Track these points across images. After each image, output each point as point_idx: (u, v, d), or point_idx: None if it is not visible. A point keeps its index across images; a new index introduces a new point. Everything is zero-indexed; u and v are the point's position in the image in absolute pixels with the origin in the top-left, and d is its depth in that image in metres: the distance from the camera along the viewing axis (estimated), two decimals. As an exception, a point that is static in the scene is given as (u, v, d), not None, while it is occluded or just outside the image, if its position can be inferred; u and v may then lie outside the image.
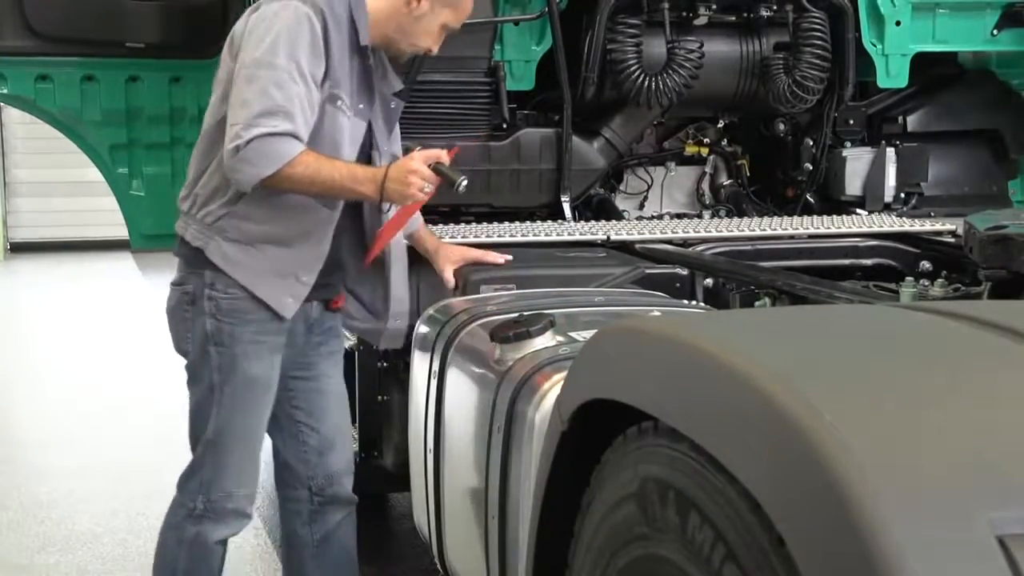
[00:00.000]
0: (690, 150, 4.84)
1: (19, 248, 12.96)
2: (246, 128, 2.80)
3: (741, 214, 4.70)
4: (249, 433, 3.10)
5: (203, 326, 3.01)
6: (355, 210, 3.14)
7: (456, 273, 3.45)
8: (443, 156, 2.95)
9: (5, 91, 5.26)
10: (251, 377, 3.04)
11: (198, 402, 3.10)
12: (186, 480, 3.14)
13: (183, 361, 3.13)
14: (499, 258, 3.53)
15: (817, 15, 4.46)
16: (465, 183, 2.94)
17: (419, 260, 3.80)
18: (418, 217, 3.41)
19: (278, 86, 2.81)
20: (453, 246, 3.58)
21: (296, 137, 2.83)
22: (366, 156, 3.10)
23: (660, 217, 4.72)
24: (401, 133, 4.24)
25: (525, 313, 2.76)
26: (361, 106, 3.04)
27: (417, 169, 2.88)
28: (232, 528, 3.16)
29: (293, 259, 3.02)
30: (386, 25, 3.06)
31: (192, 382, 3.11)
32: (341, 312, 3.27)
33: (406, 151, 3.16)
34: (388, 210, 3.06)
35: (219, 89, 3.00)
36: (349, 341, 3.96)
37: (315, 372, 3.24)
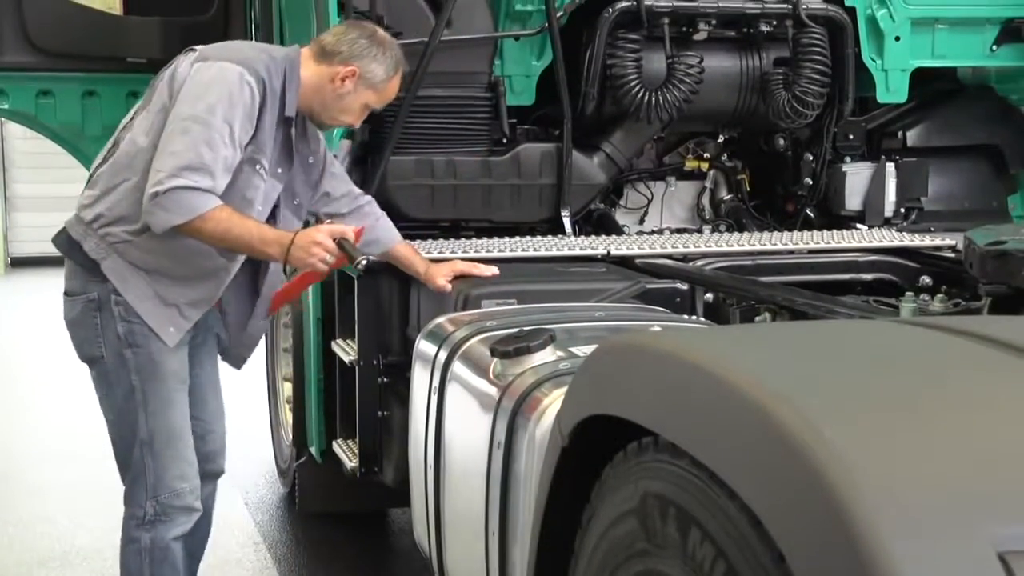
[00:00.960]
0: (690, 165, 4.85)
1: (19, 263, 12.96)
2: (170, 177, 2.99)
3: (741, 229, 4.70)
4: (178, 427, 3.24)
5: (115, 330, 3.15)
6: (254, 265, 3.31)
7: (449, 282, 3.55)
8: (349, 233, 3.15)
9: (6, 106, 5.27)
10: (169, 372, 3.20)
11: (120, 408, 3.22)
12: (131, 490, 3.26)
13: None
14: (487, 270, 3.59)
15: (817, 30, 4.47)
16: (364, 264, 3.14)
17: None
18: (395, 236, 3.59)
19: (209, 145, 3.01)
20: (441, 263, 3.64)
21: (213, 194, 3.03)
22: (272, 214, 3.29)
23: (660, 232, 4.72)
24: (402, 149, 4.27)
25: (525, 328, 2.75)
26: (279, 170, 3.25)
27: (322, 241, 3.09)
28: (183, 525, 3.29)
29: (181, 295, 3.21)
30: (312, 98, 3.26)
31: (108, 388, 3.22)
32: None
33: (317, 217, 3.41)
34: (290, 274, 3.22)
35: (149, 115, 3.15)
36: (350, 356, 3.96)
37: (198, 369, 3.40)
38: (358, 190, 3.64)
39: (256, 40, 5.32)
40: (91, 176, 3.30)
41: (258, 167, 3.15)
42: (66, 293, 3.26)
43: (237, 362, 3.54)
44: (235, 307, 3.41)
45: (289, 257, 3.09)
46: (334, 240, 3.10)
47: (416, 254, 3.68)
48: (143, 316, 3.15)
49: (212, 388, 3.49)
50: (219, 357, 3.53)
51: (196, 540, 3.50)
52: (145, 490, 3.22)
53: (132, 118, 3.25)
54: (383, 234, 3.63)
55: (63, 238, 3.27)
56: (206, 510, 3.51)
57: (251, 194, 3.15)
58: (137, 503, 3.24)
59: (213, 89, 3.05)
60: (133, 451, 3.22)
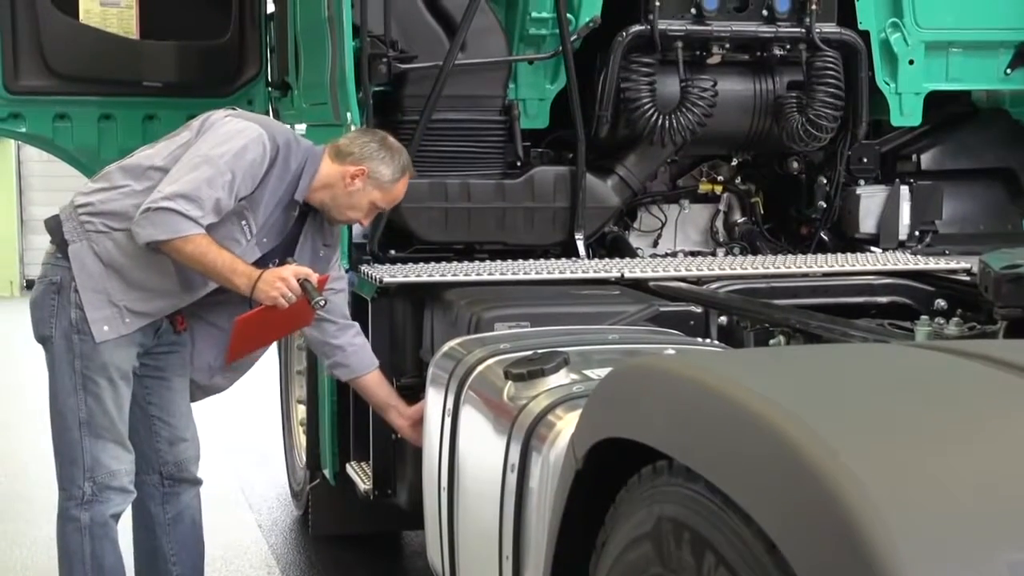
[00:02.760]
0: (704, 188, 4.85)
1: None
2: (165, 199, 3.26)
3: (755, 252, 4.70)
4: (117, 416, 3.45)
5: (68, 315, 3.40)
6: (230, 316, 3.50)
7: (415, 428, 3.56)
8: (313, 276, 3.37)
9: (24, 130, 5.30)
10: (112, 364, 3.42)
11: (63, 389, 3.44)
12: (68, 472, 3.46)
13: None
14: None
15: (830, 54, 4.47)
16: (322, 303, 3.37)
17: (432, 300, 3.82)
18: (375, 363, 3.72)
19: (209, 184, 3.28)
20: (406, 405, 3.68)
21: (199, 224, 3.28)
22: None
23: (674, 255, 4.72)
24: (417, 171, 4.29)
25: (539, 351, 2.75)
26: (265, 240, 3.48)
27: (287, 279, 3.30)
28: (120, 505, 3.50)
29: (128, 300, 3.40)
30: (324, 193, 3.51)
31: (54, 369, 3.47)
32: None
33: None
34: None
35: (172, 144, 3.45)
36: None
37: (167, 373, 3.62)
38: (347, 312, 3.77)
39: (272, 64, 5.37)
40: (100, 171, 3.59)
41: (243, 223, 3.40)
42: (38, 278, 3.54)
43: (191, 396, 3.72)
44: (201, 350, 3.64)
45: (255, 290, 3.29)
46: (298, 280, 3.31)
47: (389, 390, 3.73)
48: (85, 304, 3.38)
49: (181, 395, 3.67)
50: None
51: (191, 554, 3.71)
52: (83, 471, 3.43)
53: (157, 142, 3.55)
54: (355, 361, 3.72)
55: (53, 219, 3.52)
56: (192, 521, 3.72)
57: (231, 245, 3.37)
58: (75, 484, 3.44)
59: (232, 140, 3.35)
60: (71, 432, 3.44)
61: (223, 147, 3.33)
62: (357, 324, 3.78)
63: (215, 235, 3.33)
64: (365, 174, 3.47)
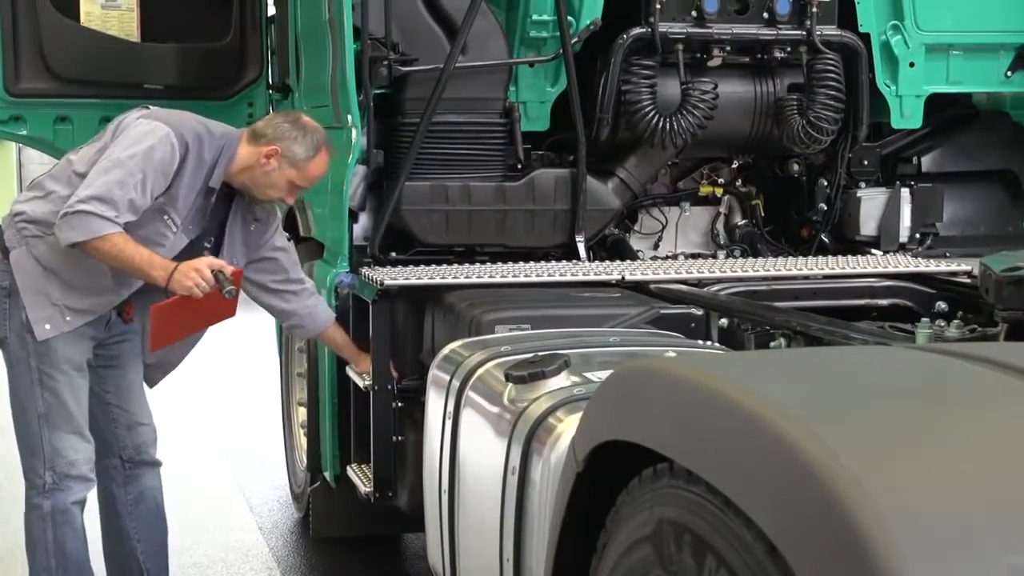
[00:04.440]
0: (704, 190, 4.85)
1: (36, 287, 13.05)
2: (80, 202, 3.42)
3: (756, 254, 4.70)
4: (73, 407, 3.61)
5: (19, 317, 3.56)
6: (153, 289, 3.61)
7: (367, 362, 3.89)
8: (227, 268, 3.52)
9: (25, 132, 5.30)
10: (65, 358, 3.58)
11: (21, 385, 3.60)
12: (30, 463, 3.63)
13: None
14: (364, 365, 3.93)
15: (831, 56, 4.48)
16: (232, 293, 3.50)
17: (433, 303, 3.82)
18: (330, 319, 3.97)
19: (120, 186, 3.43)
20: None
21: (115, 223, 3.41)
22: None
23: (675, 257, 4.72)
24: (417, 174, 4.30)
25: (540, 353, 2.75)
26: (191, 227, 3.63)
27: (200, 269, 3.45)
28: (81, 492, 3.65)
29: (67, 299, 3.56)
30: (244, 174, 3.65)
31: (12, 367, 3.63)
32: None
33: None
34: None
35: (92, 149, 3.60)
36: (364, 381, 3.97)
37: (120, 361, 3.79)
38: (300, 276, 3.97)
39: (273, 67, 5.37)
40: (32, 181, 3.78)
41: (166, 218, 3.55)
42: None
43: (149, 380, 3.91)
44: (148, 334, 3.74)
45: (171, 281, 3.44)
46: (212, 271, 3.46)
47: (349, 343, 4.02)
48: (26, 305, 3.54)
49: (135, 381, 3.86)
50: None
51: (153, 532, 3.89)
52: (43, 461, 3.60)
53: (82, 147, 3.71)
54: (309, 323, 3.96)
55: None
56: (154, 502, 3.90)
57: (157, 238, 3.54)
58: (36, 473, 3.62)
59: (141, 141, 3.49)
60: (31, 425, 3.60)
61: (132, 149, 3.48)
62: (310, 285, 4.00)
63: (142, 233, 3.49)
64: (279, 154, 3.59)
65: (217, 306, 3.57)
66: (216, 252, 3.69)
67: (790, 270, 4.15)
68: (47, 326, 3.55)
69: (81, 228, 3.40)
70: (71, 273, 3.54)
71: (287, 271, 3.90)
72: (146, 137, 3.50)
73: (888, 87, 4.65)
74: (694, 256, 4.76)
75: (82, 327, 3.59)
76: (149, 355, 3.81)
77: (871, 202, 4.76)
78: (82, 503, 3.67)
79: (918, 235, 4.76)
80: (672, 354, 2.81)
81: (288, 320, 3.99)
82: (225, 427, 6.80)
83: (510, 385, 2.64)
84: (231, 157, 3.61)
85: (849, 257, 4.45)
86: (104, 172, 3.46)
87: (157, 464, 3.91)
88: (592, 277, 4.00)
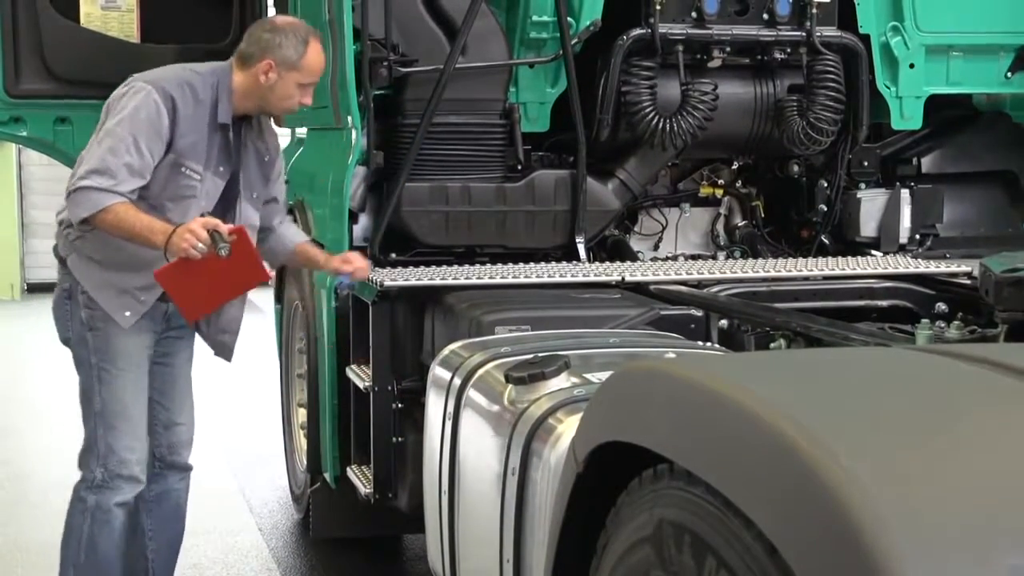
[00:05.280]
0: (705, 191, 4.85)
1: (36, 288, 13.00)
2: (79, 179, 3.46)
3: (756, 255, 4.70)
4: (130, 405, 3.63)
5: (79, 316, 3.61)
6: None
7: (341, 260, 3.82)
8: (222, 227, 3.43)
9: (24, 133, 5.29)
10: (124, 354, 3.61)
11: (83, 383, 3.66)
12: (85, 457, 3.67)
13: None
14: (363, 271, 3.82)
15: (831, 58, 4.48)
16: (226, 251, 3.40)
17: (433, 304, 3.82)
18: (299, 237, 3.94)
19: (113, 153, 3.45)
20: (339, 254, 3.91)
21: (116, 193, 3.43)
22: (232, 205, 3.66)
23: (675, 258, 4.72)
24: (417, 175, 4.30)
25: (540, 354, 2.75)
26: (222, 168, 3.62)
27: (194, 230, 3.38)
28: (128, 493, 3.65)
29: (131, 280, 3.57)
30: (252, 99, 3.63)
31: (77, 366, 3.68)
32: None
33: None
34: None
35: (93, 140, 3.58)
36: (364, 382, 3.97)
37: (170, 360, 3.79)
38: (283, 218, 3.93)
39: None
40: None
41: (184, 170, 3.53)
42: (57, 285, 3.73)
43: (223, 351, 3.82)
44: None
45: (168, 244, 3.39)
46: (208, 231, 3.39)
47: (317, 249, 3.98)
48: (100, 303, 3.57)
49: (183, 382, 3.85)
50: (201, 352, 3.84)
51: (167, 532, 3.87)
52: (96, 457, 3.62)
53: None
54: (278, 245, 3.89)
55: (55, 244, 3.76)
56: (175, 503, 3.89)
57: (185, 192, 3.54)
58: (88, 468, 3.65)
59: (124, 108, 3.51)
60: (89, 422, 3.65)
61: (117, 116, 3.50)
62: (287, 219, 3.98)
63: (169, 192, 3.51)
64: (273, 66, 3.56)
65: (240, 269, 3.49)
66: (236, 187, 3.65)
67: (790, 271, 4.15)
68: (127, 313, 3.57)
69: (84, 204, 3.43)
70: (121, 255, 3.53)
71: (280, 214, 3.90)
72: (129, 101, 3.52)
73: (888, 88, 4.65)
74: (694, 257, 4.76)
75: (142, 321, 3.59)
76: (189, 322, 3.74)
77: (871, 203, 4.76)
78: (126, 504, 3.67)
79: (918, 236, 4.77)
80: (672, 355, 2.81)
81: (262, 245, 3.80)
82: (225, 428, 6.80)
83: (510, 386, 2.64)
84: (230, 90, 3.59)
85: (849, 258, 4.46)
86: (97, 144, 3.50)
87: (187, 468, 3.90)
88: (592, 278, 4.00)
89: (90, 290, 3.57)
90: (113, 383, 3.61)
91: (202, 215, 3.55)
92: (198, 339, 3.84)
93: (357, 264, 3.81)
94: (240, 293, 3.73)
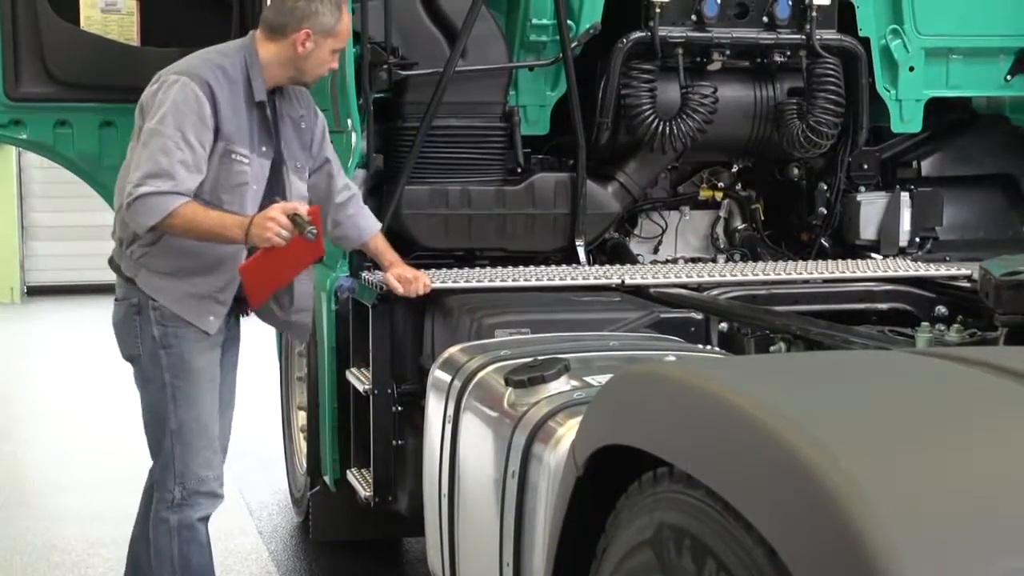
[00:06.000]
0: (704, 194, 4.85)
1: (36, 291, 13.01)
2: (135, 186, 3.33)
3: (756, 258, 4.70)
4: (205, 422, 3.55)
5: (151, 333, 3.49)
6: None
7: (399, 279, 3.77)
8: (301, 208, 3.37)
9: (25, 137, 5.30)
10: (198, 371, 3.52)
11: (153, 402, 3.54)
12: (161, 477, 3.58)
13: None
14: (422, 288, 3.76)
15: (831, 61, 4.48)
16: (314, 232, 3.33)
17: (433, 307, 3.82)
18: (375, 228, 3.86)
19: (164, 152, 3.33)
20: (407, 267, 3.86)
21: (178, 193, 3.32)
22: (279, 183, 3.56)
23: (675, 261, 4.72)
24: (417, 178, 4.29)
25: (540, 357, 2.75)
26: (264, 148, 3.51)
27: (275, 217, 3.31)
28: (208, 508, 3.61)
29: (209, 284, 3.49)
30: (285, 71, 3.53)
31: (144, 384, 3.56)
32: (255, 310, 3.68)
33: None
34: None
35: (132, 144, 3.50)
36: (364, 385, 3.96)
37: (224, 364, 3.65)
38: (346, 182, 3.84)
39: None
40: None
41: (233, 156, 3.43)
42: (115, 299, 3.59)
43: (301, 331, 3.78)
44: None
45: (249, 236, 3.32)
46: (287, 216, 3.32)
47: (389, 250, 3.89)
48: (183, 315, 3.46)
49: (227, 406, 3.72)
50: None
51: None
52: (174, 476, 3.53)
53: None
54: (352, 232, 3.84)
55: (110, 260, 3.62)
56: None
57: (238, 179, 3.44)
58: (167, 488, 3.55)
59: (163, 104, 3.38)
60: (164, 443, 3.53)
61: (158, 114, 3.37)
62: (354, 192, 3.87)
63: (219, 181, 3.39)
64: (311, 35, 3.47)
65: (303, 251, 3.42)
66: (281, 163, 3.57)
67: (790, 274, 4.15)
68: (211, 318, 3.49)
69: (148, 212, 3.31)
70: (191, 261, 3.45)
71: (335, 178, 3.78)
72: (166, 96, 3.38)
73: (888, 91, 4.65)
74: (694, 260, 4.76)
75: (214, 336, 3.51)
76: (255, 309, 3.66)
77: (871, 206, 4.76)
78: (207, 518, 3.63)
79: (918, 239, 4.77)
80: (672, 358, 2.81)
81: (332, 232, 3.80)
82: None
83: (510, 389, 2.64)
84: (260, 64, 3.48)
85: (849, 261, 4.46)
86: (143, 147, 3.36)
87: (217, 497, 3.72)
88: (592, 281, 4.00)
89: (169, 305, 3.46)
90: (189, 401, 3.50)
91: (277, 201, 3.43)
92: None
93: (413, 286, 3.74)
94: (297, 273, 3.63)
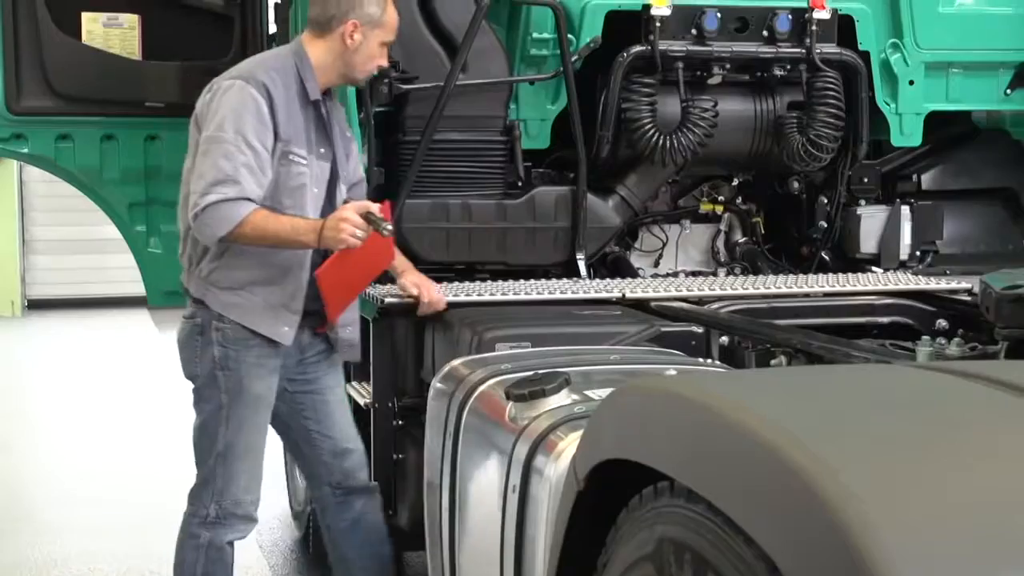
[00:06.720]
0: (705, 208, 4.85)
1: (36, 305, 13.02)
2: (202, 196, 3.28)
3: (756, 272, 4.70)
4: (253, 446, 3.53)
5: (211, 353, 3.46)
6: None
7: (413, 284, 3.73)
8: (373, 207, 3.33)
9: (26, 150, 5.30)
10: (255, 396, 3.48)
11: (205, 421, 3.51)
12: (198, 491, 3.54)
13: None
14: (438, 303, 3.73)
15: (831, 74, 4.49)
16: (391, 229, 3.33)
17: (433, 320, 3.82)
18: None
19: (227, 157, 3.28)
20: (418, 273, 3.84)
21: (246, 199, 3.28)
22: (332, 191, 3.55)
23: (675, 275, 4.72)
24: (418, 192, 4.30)
25: (540, 371, 2.75)
26: (322, 150, 3.50)
27: (348, 217, 3.28)
28: (241, 531, 3.58)
29: (279, 293, 3.46)
30: (335, 68, 3.50)
31: (200, 403, 3.53)
32: (332, 323, 3.62)
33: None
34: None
35: (189, 160, 3.46)
36: (364, 399, 3.96)
37: (319, 386, 3.66)
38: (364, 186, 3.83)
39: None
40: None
41: (292, 157, 3.39)
42: (183, 317, 3.59)
43: (352, 351, 3.67)
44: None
45: (322, 239, 3.28)
46: (360, 214, 3.28)
47: (399, 257, 3.83)
48: (257, 329, 3.43)
49: (340, 407, 3.70)
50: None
51: (373, 563, 3.74)
52: (212, 493, 3.51)
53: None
54: None
55: (181, 283, 3.60)
56: (371, 528, 3.72)
57: (297, 181, 3.41)
58: (201, 503, 3.53)
59: (220, 109, 3.34)
60: (208, 460, 3.51)
61: (215, 121, 3.32)
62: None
63: (279, 185, 3.36)
64: (358, 25, 3.45)
65: (375, 253, 3.40)
66: (335, 169, 3.53)
67: (791, 288, 4.15)
68: (285, 328, 3.45)
69: (216, 222, 3.27)
70: (260, 272, 3.42)
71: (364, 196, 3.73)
72: (221, 102, 3.35)
73: (888, 105, 4.66)
74: (695, 274, 4.76)
75: (273, 361, 3.48)
76: (332, 324, 3.60)
77: (871, 220, 4.77)
78: (235, 542, 3.60)
79: (918, 253, 4.77)
80: (673, 372, 2.81)
81: None
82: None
83: (511, 403, 2.64)
84: (311, 65, 3.45)
85: (849, 275, 4.46)
86: (204, 156, 3.31)
87: (370, 488, 3.75)
88: (593, 295, 4.00)
89: (242, 319, 3.42)
90: (240, 424, 3.47)
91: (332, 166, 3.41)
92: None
93: (427, 295, 3.70)
94: (372, 279, 3.61)
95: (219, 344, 3.45)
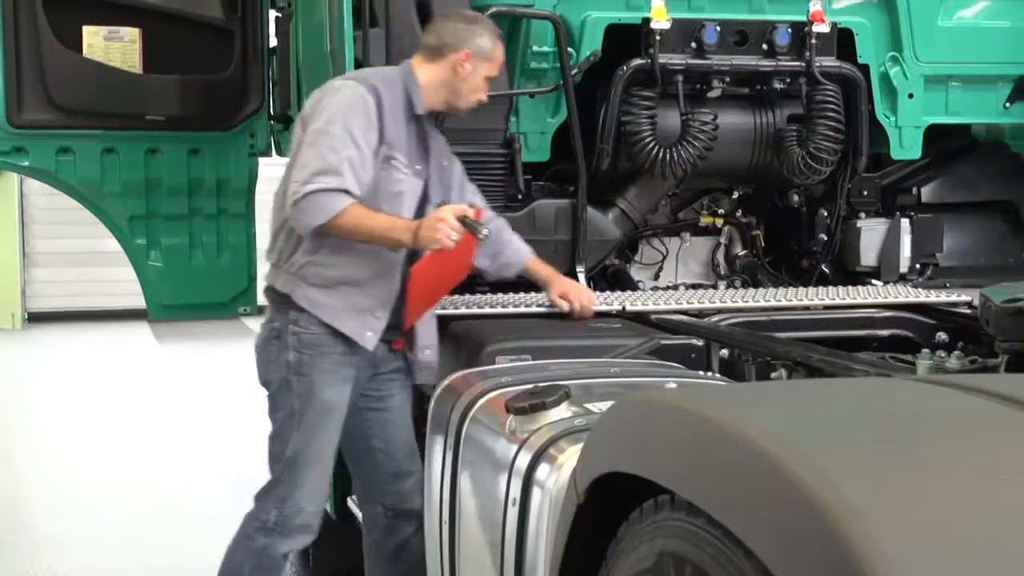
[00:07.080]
0: (705, 221, 4.86)
1: (37, 318, 13.02)
2: (303, 184, 3.32)
3: (756, 285, 4.70)
4: (323, 455, 3.52)
5: (286, 358, 3.47)
6: (414, 256, 3.50)
7: (562, 298, 3.81)
8: (469, 211, 3.39)
9: (27, 164, 5.31)
10: (327, 403, 3.48)
11: (279, 426, 3.51)
12: (264, 495, 3.54)
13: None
14: (586, 310, 3.78)
15: (830, 87, 4.49)
16: (486, 233, 3.37)
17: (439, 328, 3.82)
18: (530, 250, 3.88)
19: (332, 150, 3.33)
20: (565, 279, 3.91)
21: (346, 191, 3.32)
22: (422, 211, 3.53)
23: (675, 288, 4.72)
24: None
25: (540, 384, 2.75)
26: (418, 167, 3.54)
27: (445, 218, 3.31)
28: (297, 543, 3.56)
29: (368, 297, 3.48)
30: (440, 94, 3.58)
31: (274, 408, 3.53)
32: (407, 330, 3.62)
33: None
34: None
35: (292, 158, 3.50)
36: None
37: (389, 404, 3.66)
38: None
39: (274, 98, 5.39)
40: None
41: (393, 161, 3.45)
42: (262, 323, 3.60)
43: (428, 372, 3.61)
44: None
45: (417, 239, 3.32)
46: (456, 218, 3.33)
47: (543, 265, 3.91)
48: (342, 328, 3.44)
49: (403, 425, 3.69)
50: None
51: None
52: (275, 500, 3.50)
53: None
54: (514, 256, 3.86)
55: (266, 288, 3.61)
56: (416, 552, 3.43)
57: (397, 188, 3.46)
58: (264, 507, 3.52)
59: (330, 106, 3.41)
60: (277, 466, 3.51)
61: (325, 115, 3.40)
62: (503, 220, 3.91)
63: (379, 188, 3.41)
64: (470, 55, 3.55)
65: (463, 259, 3.46)
66: (427, 191, 3.56)
67: (791, 300, 4.15)
68: (368, 333, 3.47)
69: (314, 211, 3.31)
70: (353, 271, 3.45)
71: (485, 212, 3.71)
72: (331, 99, 3.42)
73: (887, 118, 4.66)
74: (695, 286, 4.76)
75: (347, 370, 3.49)
76: (406, 330, 3.58)
77: (871, 232, 4.77)
78: (288, 556, 3.58)
79: (918, 265, 4.78)
80: (673, 385, 2.81)
81: (496, 260, 3.80)
82: (226, 455, 6.78)
83: (511, 416, 2.64)
84: (418, 85, 3.54)
85: (849, 288, 4.46)
86: (310, 147, 3.37)
87: (420, 515, 3.59)
88: (593, 307, 4.00)
89: (327, 318, 3.43)
90: (311, 431, 3.47)
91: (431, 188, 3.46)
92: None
93: (578, 302, 3.76)
94: (453, 286, 3.66)
95: (294, 349, 3.46)
